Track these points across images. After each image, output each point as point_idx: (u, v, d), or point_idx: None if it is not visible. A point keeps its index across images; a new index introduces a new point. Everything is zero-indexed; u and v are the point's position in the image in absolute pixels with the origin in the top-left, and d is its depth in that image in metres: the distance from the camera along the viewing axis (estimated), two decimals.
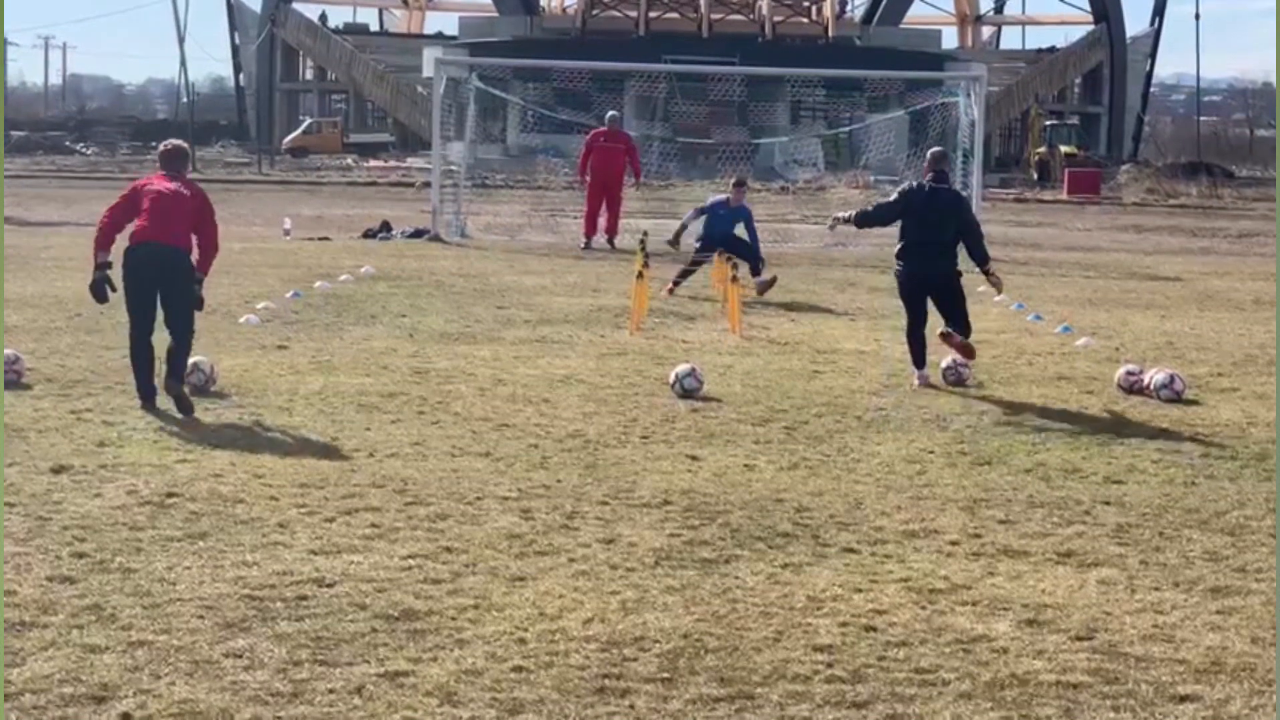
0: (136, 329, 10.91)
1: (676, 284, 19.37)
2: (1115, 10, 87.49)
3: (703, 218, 19.88)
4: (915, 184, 13.08)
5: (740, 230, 19.82)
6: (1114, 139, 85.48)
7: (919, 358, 12.85)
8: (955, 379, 12.81)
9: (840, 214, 14.12)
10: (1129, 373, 12.84)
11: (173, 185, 10.99)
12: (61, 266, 20.88)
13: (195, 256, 10.99)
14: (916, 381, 12.70)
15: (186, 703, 5.41)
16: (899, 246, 12.87)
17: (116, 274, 10.89)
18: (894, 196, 13.12)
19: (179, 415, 10.50)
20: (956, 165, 29.62)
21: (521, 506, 8.38)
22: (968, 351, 12.72)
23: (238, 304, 16.61)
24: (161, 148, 11.56)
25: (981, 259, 12.97)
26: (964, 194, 15.10)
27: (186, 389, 10.85)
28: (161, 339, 10.89)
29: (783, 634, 6.36)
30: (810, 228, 31.29)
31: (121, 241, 10.96)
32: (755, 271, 19.48)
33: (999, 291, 13.81)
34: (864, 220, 13.42)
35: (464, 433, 10.39)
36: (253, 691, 5.54)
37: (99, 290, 10.95)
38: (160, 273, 10.79)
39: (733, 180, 20.66)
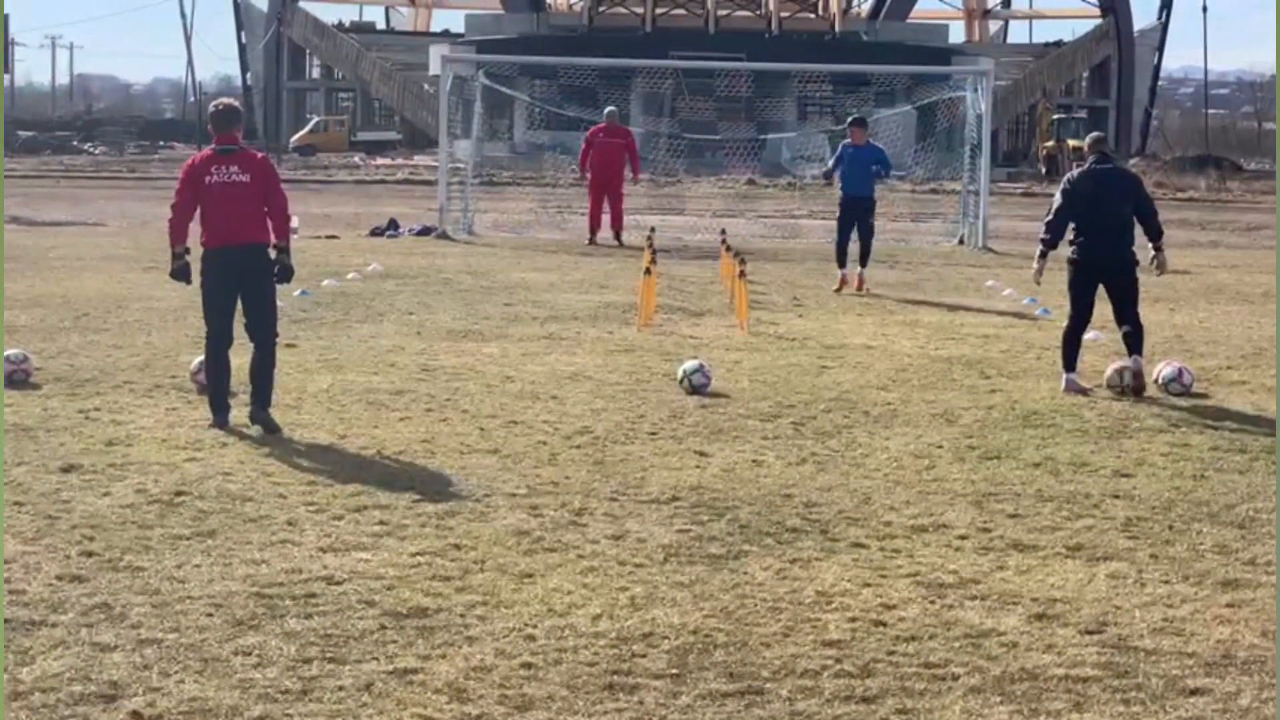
0: (215, 337, 10.51)
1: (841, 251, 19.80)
2: (1122, 3, 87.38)
3: (839, 169, 20.01)
4: (1077, 173, 12.48)
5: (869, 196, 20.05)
6: (1122, 132, 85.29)
7: (1072, 359, 12.39)
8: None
9: (1036, 265, 12.77)
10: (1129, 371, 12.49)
11: (231, 169, 10.30)
12: (70, 266, 20.93)
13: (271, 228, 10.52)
14: (1064, 386, 12.25)
15: (196, 700, 5.41)
16: (1074, 234, 12.31)
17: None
18: (1058, 196, 12.38)
19: (265, 433, 10.14)
20: (964, 159, 29.68)
21: (530, 503, 8.38)
22: (1140, 385, 12.13)
23: None
24: (212, 109, 10.77)
25: (1156, 234, 12.49)
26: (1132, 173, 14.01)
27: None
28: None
29: (792, 629, 6.35)
30: (817, 223, 31.27)
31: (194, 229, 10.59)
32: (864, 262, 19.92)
33: (1161, 271, 12.91)
34: (1053, 239, 12.47)
35: (472, 430, 10.39)
36: (262, 689, 5.54)
37: (182, 276, 10.57)
38: (240, 276, 10.41)
39: (849, 120, 20.61)
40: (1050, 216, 12.40)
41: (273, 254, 10.53)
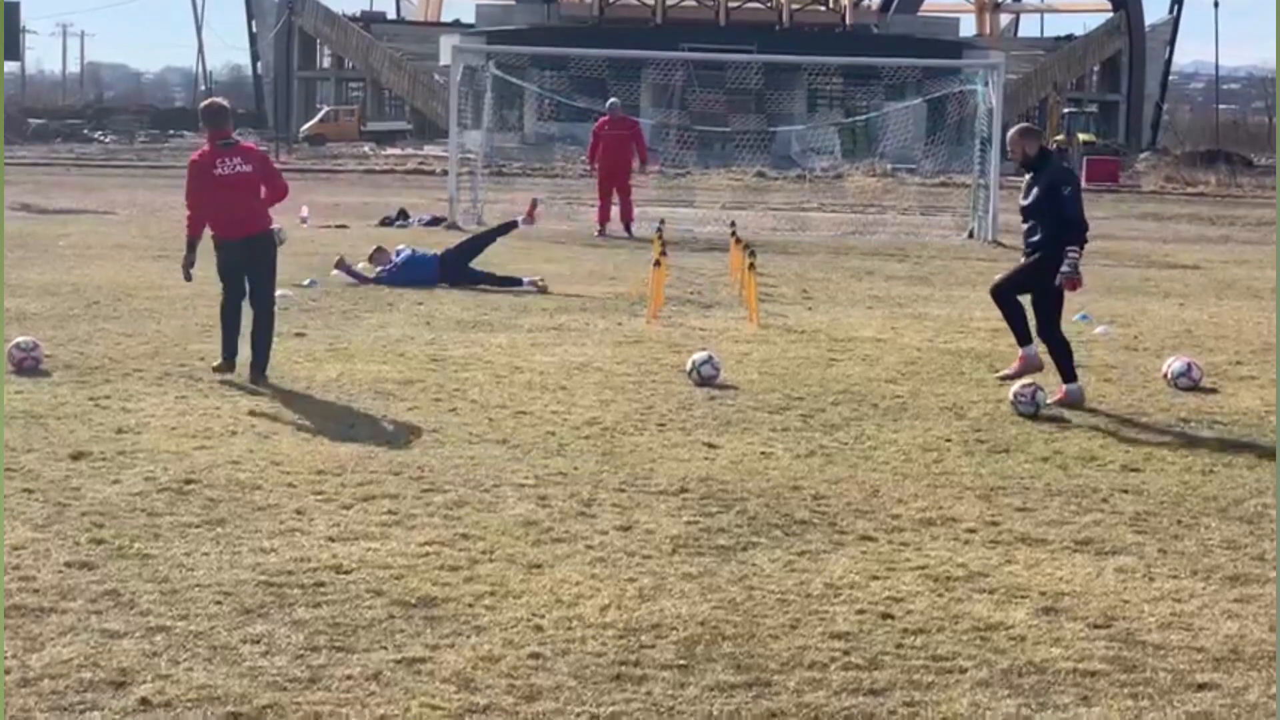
0: (230, 296, 11.69)
1: None
2: None
3: None
4: (1067, 165, 11.95)
5: None
6: (1132, 127, 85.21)
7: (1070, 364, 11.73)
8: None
9: (1069, 263, 11.44)
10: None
11: (235, 160, 11.33)
12: (80, 254, 20.95)
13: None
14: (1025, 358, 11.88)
15: (205, 688, 5.42)
16: (1080, 234, 11.45)
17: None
18: (1071, 185, 11.55)
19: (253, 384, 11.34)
20: (974, 153, 29.65)
21: (538, 494, 8.38)
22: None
23: None
24: (207, 105, 11.84)
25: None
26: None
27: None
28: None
29: (800, 621, 6.36)
30: (827, 216, 31.25)
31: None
32: None
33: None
34: (1083, 230, 11.54)
35: (481, 420, 10.40)
36: (270, 677, 5.55)
37: (186, 272, 11.69)
38: (248, 260, 11.57)
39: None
40: (1079, 217, 11.44)
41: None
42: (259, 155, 11.68)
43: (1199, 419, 11.09)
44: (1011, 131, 11.94)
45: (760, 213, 33.84)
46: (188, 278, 11.71)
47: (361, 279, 18.11)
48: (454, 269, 18.28)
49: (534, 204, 21.14)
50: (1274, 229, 34.41)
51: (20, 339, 11.93)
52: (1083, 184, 55.34)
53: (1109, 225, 34.69)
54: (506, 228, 19.74)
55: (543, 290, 17.95)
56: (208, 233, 11.60)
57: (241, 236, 11.44)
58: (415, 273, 18.17)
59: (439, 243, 20.60)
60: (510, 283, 18.17)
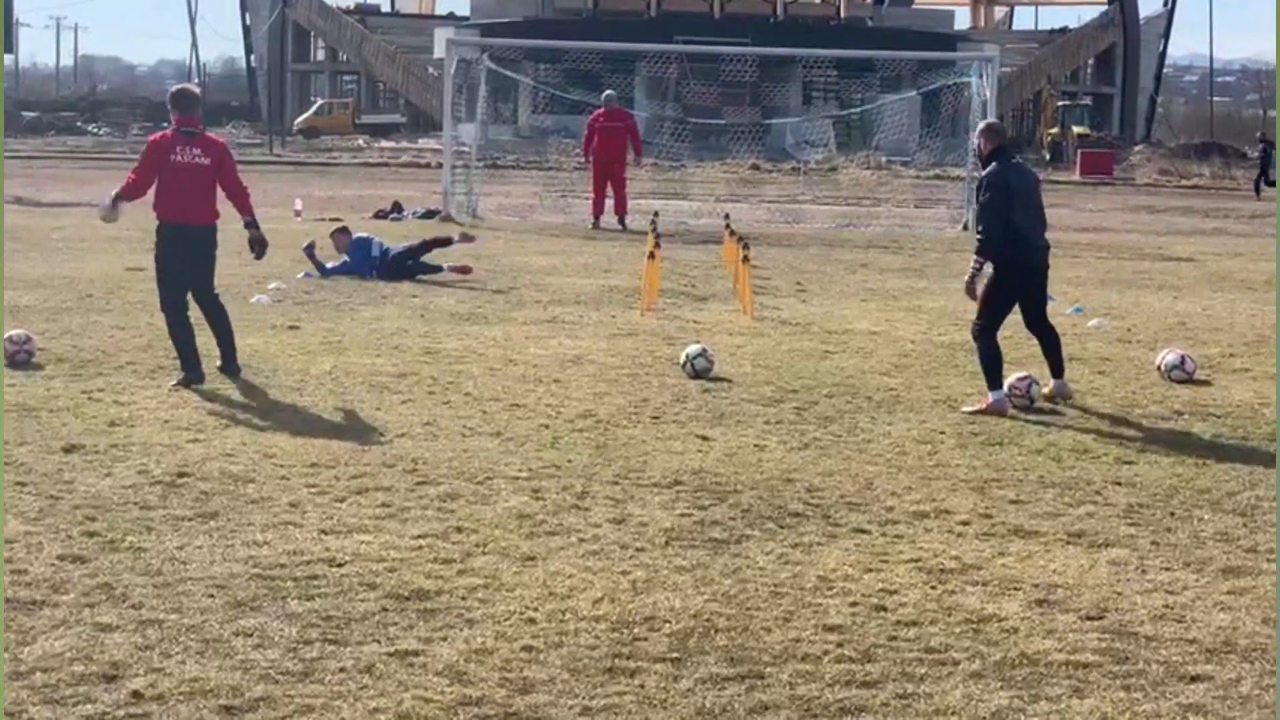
0: (175, 307, 11.28)
1: None
2: None
3: None
4: (998, 166, 10.98)
5: None
6: (1127, 120, 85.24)
7: (1000, 375, 10.95)
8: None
9: (974, 268, 11.01)
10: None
11: (195, 151, 11.13)
12: (73, 247, 20.94)
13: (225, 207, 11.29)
14: (992, 402, 10.80)
15: (197, 681, 5.42)
16: (1000, 237, 10.84)
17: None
18: (989, 192, 10.88)
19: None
20: (968, 146, 29.61)
21: (532, 486, 8.38)
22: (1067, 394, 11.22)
23: (249, 284, 16.61)
24: (176, 91, 11.60)
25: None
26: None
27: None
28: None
29: (793, 614, 6.36)
30: (821, 208, 31.25)
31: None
32: None
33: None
34: (992, 244, 10.88)
35: (475, 413, 10.39)
36: (263, 670, 5.55)
37: (110, 217, 11.55)
38: (191, 252, 11.24)
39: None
40: (988, 224, 10.91)
41: (240, 232, 11.42)
42: (220, 151, 11.34)
43: (1192, 411, 11.09)
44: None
45: (755, 205, 33.84)
46: (113, 219, 11.52)
47: (320, 270, 17.99)
48: (394, 269, 18.22)
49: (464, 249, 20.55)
50: (1267, 222, 34.43)
51: (13, 332, 11.91)
52: (1078, 176, 54.98)
53: (1103, 218, 34.71)
54: (442, 242, 19.45)
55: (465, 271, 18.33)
56: (152, 217, 11.36)
57: (180, 221, 11.12)
58: (359, 264, 18.21)
59: (434, 234, 20.54)
60: (434, 270, 18.35)
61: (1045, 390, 11.29)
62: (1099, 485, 8.77)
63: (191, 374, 11.04)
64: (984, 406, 10.80)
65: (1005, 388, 10.93)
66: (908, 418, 10.62)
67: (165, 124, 12.46)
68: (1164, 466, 9.31)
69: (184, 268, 11.27)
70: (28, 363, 11.59)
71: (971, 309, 11.62)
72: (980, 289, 11.10)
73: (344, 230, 18.94)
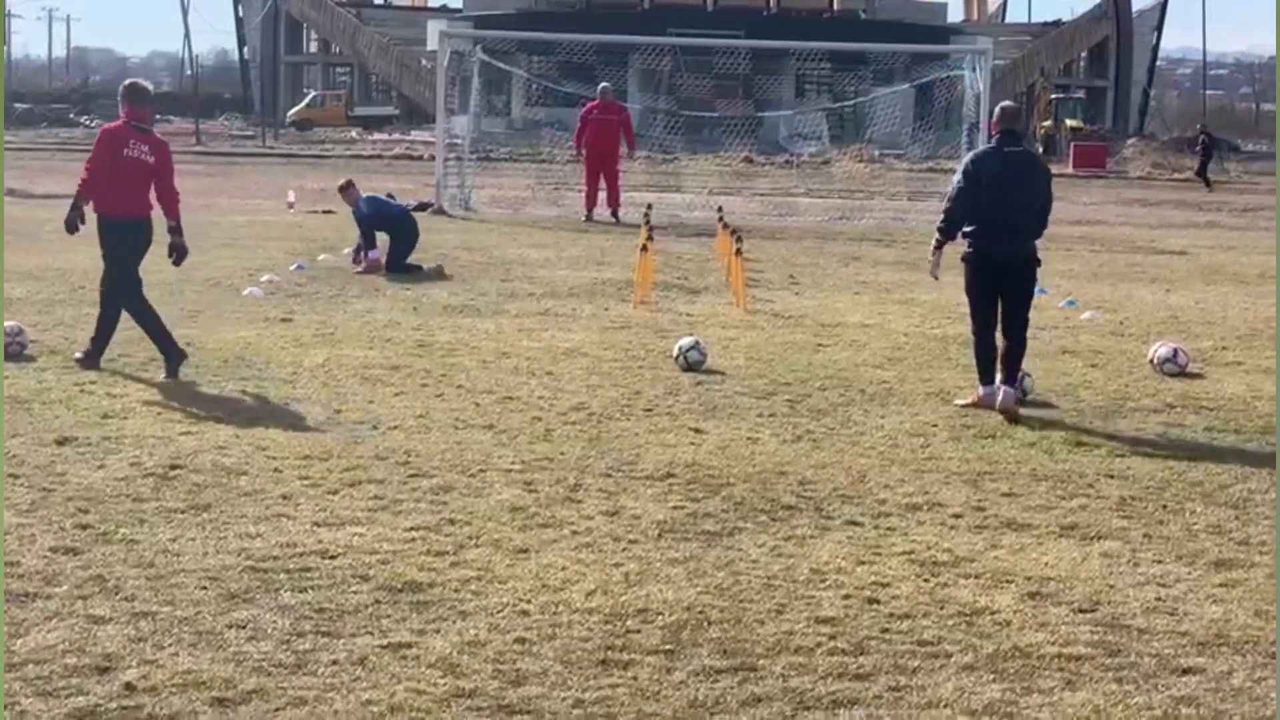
0: (135, 297, 11.38)
1: None
2: None
3: None
4: (980, 152, 10.97)
5: None
6: (1120, 113, 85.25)
7: (989, 371, 10.74)
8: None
9: (933, 259, 11.13)
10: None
11: (143, 148, 11.22)
12: (65, 239, 20.83)
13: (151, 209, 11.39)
14: (983, 396, 10.70)
15: (190, 673, 5.42)
16: (959, 221, 10.74)
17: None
18: (959, 174, 10.81)
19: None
20: (961, 138, 29.64)
21: (525, 479, 8.38)
22: (1014, 415, 10.41)
23: (241, 276, 16.60)
24: (129, 86, 11.64)
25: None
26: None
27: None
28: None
29: (786, 606, 6.36)
30: (814, 201, 31.25)
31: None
32: None
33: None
34: (950, 226, 10.82)
35: (467, 405, 10.39)
36: (256, 662, 5.55)
37: (71, 226, 11.44)
38: (135, 241, 11.37)
39: None
40: (949, 203, 10.84)
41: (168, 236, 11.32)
42: (164, 151, 11.43)
43: (1185, 405, 11.11)
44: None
45: (748, 198, 33.82)
46: (75, 230, 11.46)
47: (368, 245, 18.10)
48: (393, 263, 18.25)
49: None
50: (1260, 215, 34.47)
51: (5, 324, 11.89)
52: (1071, 169, 54.96)
53: (1096, 211, 34.72)
54: (413, 268, 19.30)
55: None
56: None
57: (122, 215, 11.23)
58: (379, 211, 18.34)
59: (427, 227, 20.52)
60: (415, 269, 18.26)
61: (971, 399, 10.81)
62: (1091, 478, 8.78)
63: (173, 357, 11.16)
64: (975, 400, 10.80)
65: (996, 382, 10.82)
66: (900, 411, 10.63)
67: (157, 116, 12.46)
68: (1156, 459, 9.32)
69: (136, 259, 11.39)
70: (20, 355, 11.58)
71: (959, 302, 11.59)
72: (938, 273, 11.09)
73: (350, 185, 19.02)
